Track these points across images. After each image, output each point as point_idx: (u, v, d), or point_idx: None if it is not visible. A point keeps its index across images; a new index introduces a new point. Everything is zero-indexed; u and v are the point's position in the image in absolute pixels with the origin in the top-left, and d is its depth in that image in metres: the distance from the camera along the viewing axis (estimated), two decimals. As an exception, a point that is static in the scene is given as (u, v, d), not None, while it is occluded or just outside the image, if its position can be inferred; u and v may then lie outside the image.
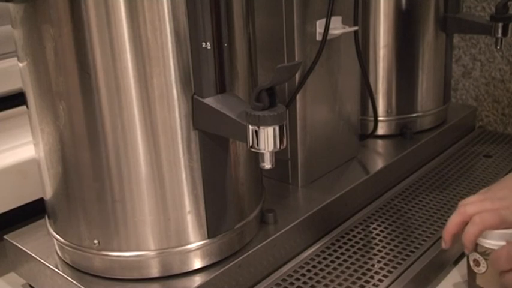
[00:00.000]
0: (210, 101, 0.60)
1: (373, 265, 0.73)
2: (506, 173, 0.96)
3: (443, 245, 0.68)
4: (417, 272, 0.72)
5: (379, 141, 1.01)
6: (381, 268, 0.72)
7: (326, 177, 0.87)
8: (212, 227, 0.65)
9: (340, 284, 0.69)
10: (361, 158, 0.94)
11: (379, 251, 0.76)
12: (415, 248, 0.76)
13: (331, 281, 0.70)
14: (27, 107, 0.66)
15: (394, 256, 0.74)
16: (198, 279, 0.65)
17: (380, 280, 0.70)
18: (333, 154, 0.89)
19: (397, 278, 0.70)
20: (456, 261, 0.77)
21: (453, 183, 0.94)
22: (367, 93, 0.94)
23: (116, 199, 0.62)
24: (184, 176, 0.62)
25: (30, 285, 0.75)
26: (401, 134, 1.02)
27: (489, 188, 0.70)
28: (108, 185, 0.61)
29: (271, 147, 0.56)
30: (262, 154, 0.57)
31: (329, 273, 0.72)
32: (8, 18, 0.63)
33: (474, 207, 0.65)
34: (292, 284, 0.70)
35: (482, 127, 1.21)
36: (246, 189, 0.69)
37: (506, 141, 1.10)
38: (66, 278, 0.67)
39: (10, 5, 0.61)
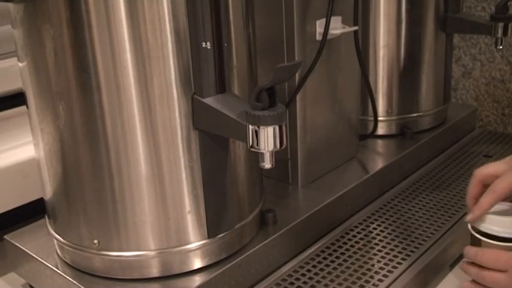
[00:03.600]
0: (210, 101, 0.60)
1: (373, 265, 0.73)
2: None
3: (469, 216, 0.66)
4: (417, 272, 0.72)
5: (379, 141, 1.01)
6: (381, 268, 0.72)
7: (326, 177, 0.87)
8: (212, 227, 0.65)
9: (340, 284, 0.69)
10: (361, 158, 0.94)
11: (379, 251, 0.76)
12: (415, 248, 0.76)
13: (331, 281, 0.70)
14: (27, 107, 0.66)
15: (394, 256, 0.74)
16: (198, 279, 0.65)
17: (380, 280, 0.70)
18: (333, 154, 0.89)
19: (397, 278, 0.70)
20: (456, 261, 0.77)
21: (453, 183, 0.94)
22: (367, 93, 0.94)
23: (116, 199, 0.62)
24: (184, 176, 0.62)
25: (30, 285, 0.75)
26: (402, 134, 1.02)
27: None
28: (108, 185, 0.61)
29: (271, 147, 0.56)
30: (262, 154, 0.57)
31: (329, 273, 0.72)
32: (8, 18, 0.63)
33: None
34: (292, 284, 0.70)
35: (482, 127, 1.21)
36: (246, 189, 0.69)
37: (506, 141, 1.10)
38: (66, 278, 0.67)
39: (10, 5, 0.61)
